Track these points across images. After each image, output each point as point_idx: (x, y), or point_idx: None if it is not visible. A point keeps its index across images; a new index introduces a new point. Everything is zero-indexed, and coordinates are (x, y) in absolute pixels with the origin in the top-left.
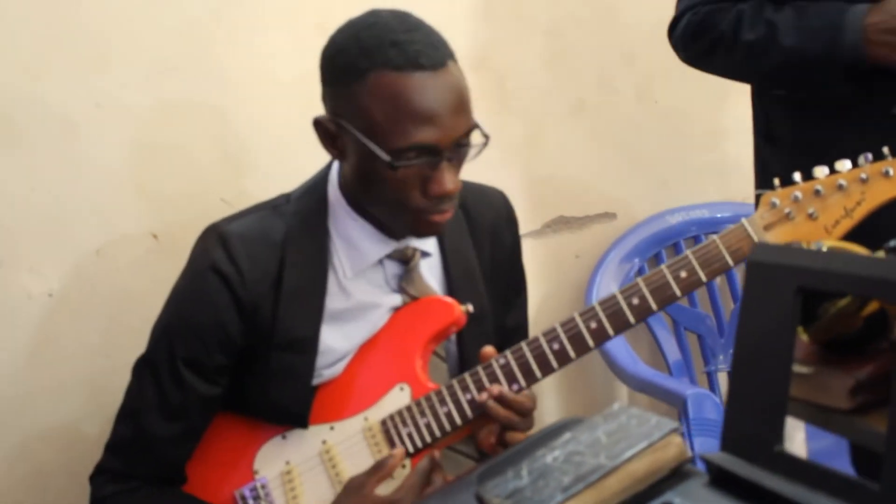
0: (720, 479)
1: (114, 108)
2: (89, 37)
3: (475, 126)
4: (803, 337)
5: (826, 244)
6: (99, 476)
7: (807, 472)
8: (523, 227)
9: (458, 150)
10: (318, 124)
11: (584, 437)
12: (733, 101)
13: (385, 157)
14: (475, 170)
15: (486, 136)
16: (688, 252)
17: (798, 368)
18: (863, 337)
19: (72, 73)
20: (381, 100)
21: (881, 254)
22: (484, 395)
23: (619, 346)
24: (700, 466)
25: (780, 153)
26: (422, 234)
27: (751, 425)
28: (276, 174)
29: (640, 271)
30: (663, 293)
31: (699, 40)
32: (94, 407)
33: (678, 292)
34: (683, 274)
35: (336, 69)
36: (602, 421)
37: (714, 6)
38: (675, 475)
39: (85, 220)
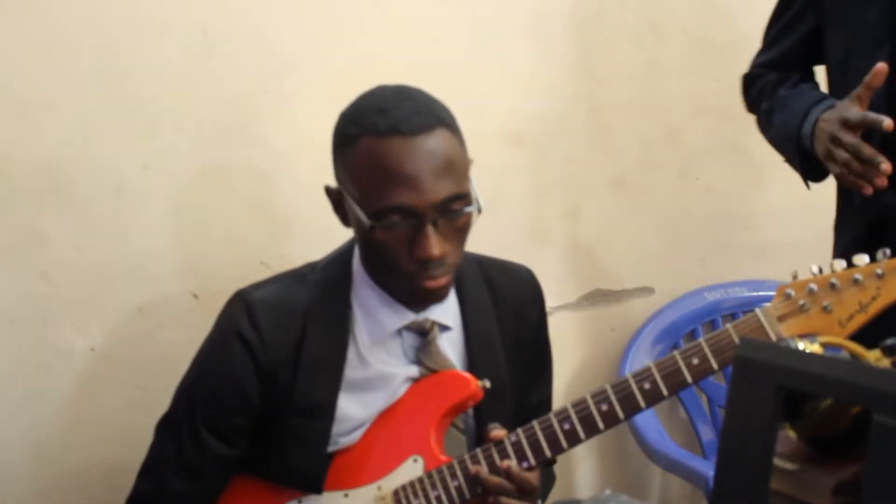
0: None
1: (161, 171)
2: (140, 103)
3: (465, 193)
4: (791, 434)
5: (820, 340)
6: None
7: None
8: (561, 299)
9: (444, 215)
10: (327, 192)
11: None
12: (774, 181)
13: (365, 219)
14: (514, 240)
15: (479, 205)
16: (701, 340)
17: (783, 464)
18: (850, 436)
19: (122, 136)
20: (364, 164)
21: (877, 352)
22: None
23: (648, 422)
24: None
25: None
26: (416, 301)
27: None
28: (317, 240)
29: (676, 346)
30: (674, 379)
31: (746, 98)
32: (129, 463)
33: (689, 379)
34: (695, 361)
35: (336, 138)
36: None
37: (759, 69)
38: None
39: (129, 278)
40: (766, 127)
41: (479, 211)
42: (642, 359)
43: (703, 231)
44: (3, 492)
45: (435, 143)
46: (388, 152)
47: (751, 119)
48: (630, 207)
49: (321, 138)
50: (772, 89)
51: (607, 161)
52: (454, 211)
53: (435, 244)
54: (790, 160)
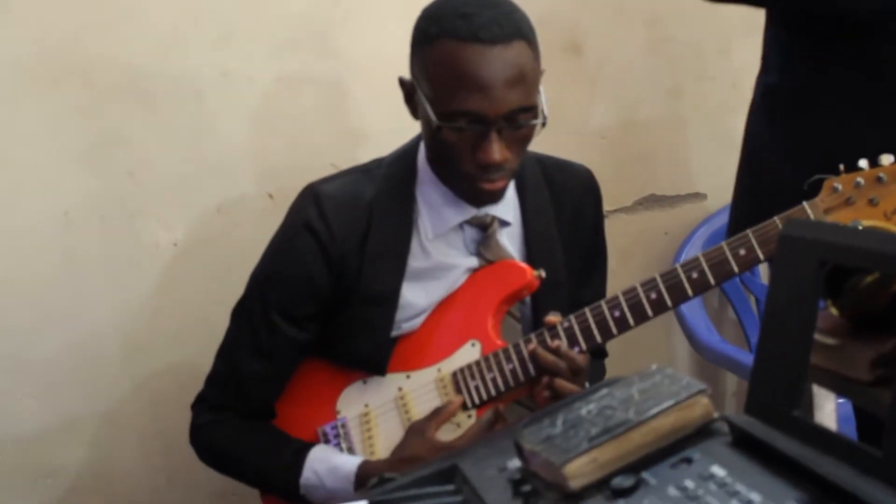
0: (741, 439)
1: (238, 79)
2: (218, 14)
3: (533, 106)
4: (833, 311)
5: (864, 223)
6: (198, 405)
7: (818, 437)
8: (616, 203)
9: (510, 124)
10: (401, 83)
11: (619, 394)
12: None
13: (434, 118)
14: (573, 146)
15: (545, 118)
16: (749, 231)
17: (825, 339)
18: (890, 312)
19: (201, 46)
20: (440, 66)
21: None
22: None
23: (697, 319)
24: None
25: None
26: (474, 200)
27: (773, 390)
28: (385, 145)
29: None
30: (721, 269)
31: None
32: (209, 348)
33: (736, 269)
34: (742, 252)
35: (416, 33)
36: (638, 379)
37: None
38: (701, 433)
39: (208, 179)
40: None
41: (544, 124)
42: None
43: None
44: (98, 377)
45: (511, 54)
46: (464, 58)
47: None
48: (684, 116)
49: (389, 49)
50: None
51: (663, 72)
52: (520, 122)
53: (497, 150)
54: None
